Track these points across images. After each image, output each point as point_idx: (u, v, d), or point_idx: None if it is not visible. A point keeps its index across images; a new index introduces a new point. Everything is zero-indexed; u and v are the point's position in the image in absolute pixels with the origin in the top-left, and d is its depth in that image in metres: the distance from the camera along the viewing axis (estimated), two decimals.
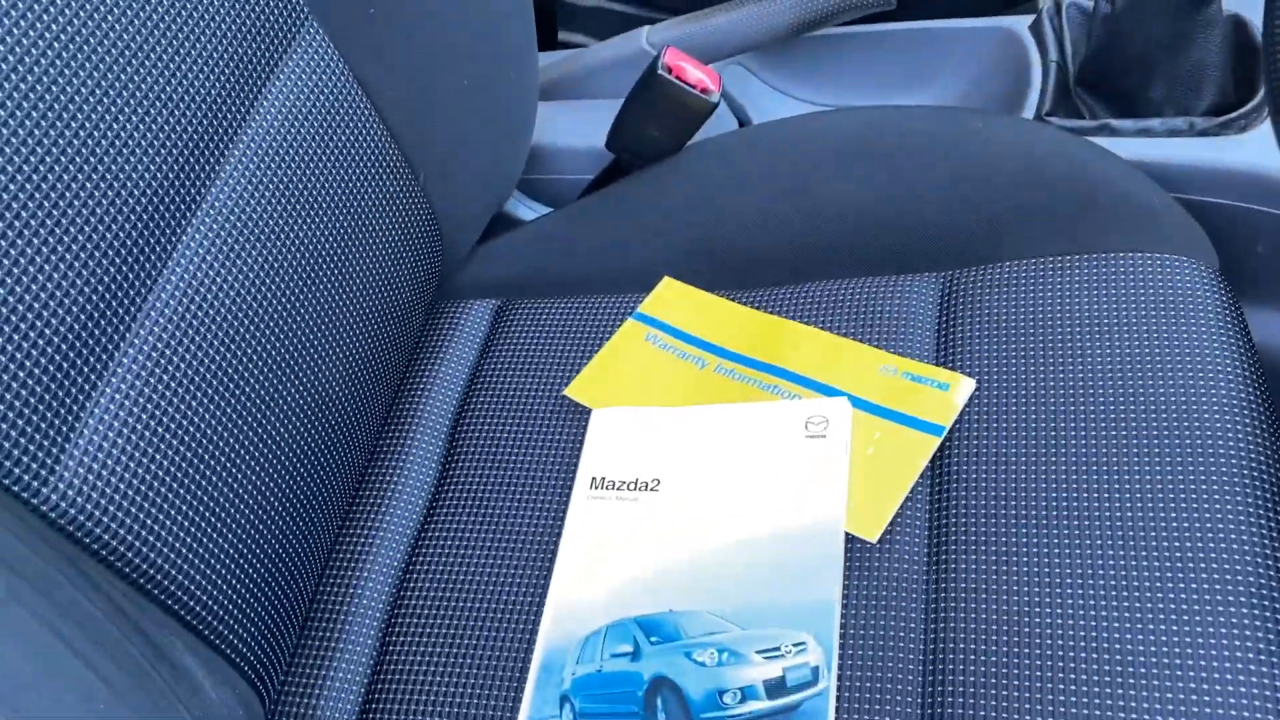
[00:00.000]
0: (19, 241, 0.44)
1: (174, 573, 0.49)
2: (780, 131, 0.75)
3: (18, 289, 0.44)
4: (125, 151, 0.49)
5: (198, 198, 0.54)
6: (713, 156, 0.76)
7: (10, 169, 0.44)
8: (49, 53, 0.47)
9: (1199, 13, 0.73)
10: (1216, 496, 0.52)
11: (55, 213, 0.46)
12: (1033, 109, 0.78)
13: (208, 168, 0.54)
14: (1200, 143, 0.73)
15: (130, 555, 0.47)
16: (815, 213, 0.69)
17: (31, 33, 0.46)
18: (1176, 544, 0.51)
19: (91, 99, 0.48)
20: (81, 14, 0.48)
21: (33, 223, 0.45)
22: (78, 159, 0.47)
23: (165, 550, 0.49)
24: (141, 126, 0.50)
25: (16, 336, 0.44)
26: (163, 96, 0.52)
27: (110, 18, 0.50)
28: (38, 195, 0.45)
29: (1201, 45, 0.74)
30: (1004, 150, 0.69)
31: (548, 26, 1.00)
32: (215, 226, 0.54)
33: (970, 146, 0.69)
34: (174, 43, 0.53)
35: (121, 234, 0.49)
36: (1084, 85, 0.79)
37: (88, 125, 0.48)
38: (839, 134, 0.73)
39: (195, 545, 0.51)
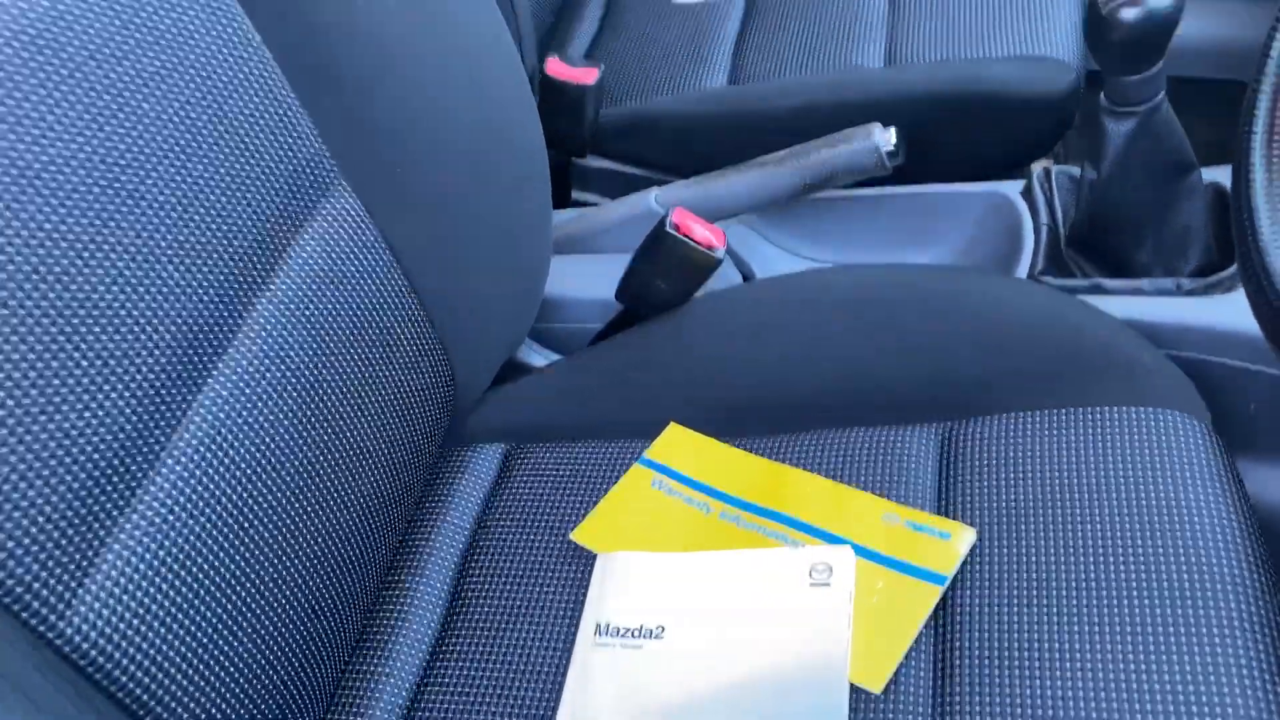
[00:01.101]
0: (48, 373, 0.46)
1: (179, 710, 0.50)
2: (783, 287, 0.78)
3: (48, 423, 0.46)
4: (159, 295, 0.52)
5: (224, 343, 0.56)
6: (718, 309, 0.78)
7: (44, 304, 0.47)
8: (90, 196, 0.50)
9: (1180, 181, 0.77)
10: (1215, 646, 0.52)
11: (84, 347, 0.48)
12: (1026, 269, 0.82)
13: (235, 314, 0.57)
14: (1188, 302, 0.75)
15: (139, 692, 0.48)
16: (818, 365, 0.71)
17: (75, 178, 0.49)
18: (1176, 693, 0.51)
19: (131, 243, 0.51)
20: (124, 160, 0.51)
21: (62, 355, 0.47)
22: (112, 299, 0.50)
23: (173, 688, 0.49)
24: (176, 272, 0.53)
25: (45, 471, 0.45)
26: (199, 245, 0.55)
27: (157, 169, 0.53)
28: (68, 329, 0.48)
29: (1185, 211, 0.78)
30: (999, 308, 0.72)
31: (562, 186, 1.05)
32: (240, 371, 0.56)
33: (967, 305, 0.72)
34: (214, 194, 0.56)
35: (149, 375, 0.51)
36: (1074, 246, 0.83)
37: (124, 267, 0.51)
38: (841, 290, 0.76)
39: (203, 684, 0.51)
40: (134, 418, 0.50)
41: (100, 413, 0.48)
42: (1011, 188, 0.88)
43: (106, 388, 0.49)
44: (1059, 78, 0.90)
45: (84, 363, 0.48)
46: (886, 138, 0.82)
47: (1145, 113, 0.74)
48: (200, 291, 0.55)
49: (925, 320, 0.71)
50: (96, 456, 0.48)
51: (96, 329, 0.49)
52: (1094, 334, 0.69)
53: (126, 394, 0.50)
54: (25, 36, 0.48)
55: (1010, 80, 0.91)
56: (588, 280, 0.88)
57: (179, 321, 0.53)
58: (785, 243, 0.95)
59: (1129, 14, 0.68)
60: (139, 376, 0.51)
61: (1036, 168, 0.88)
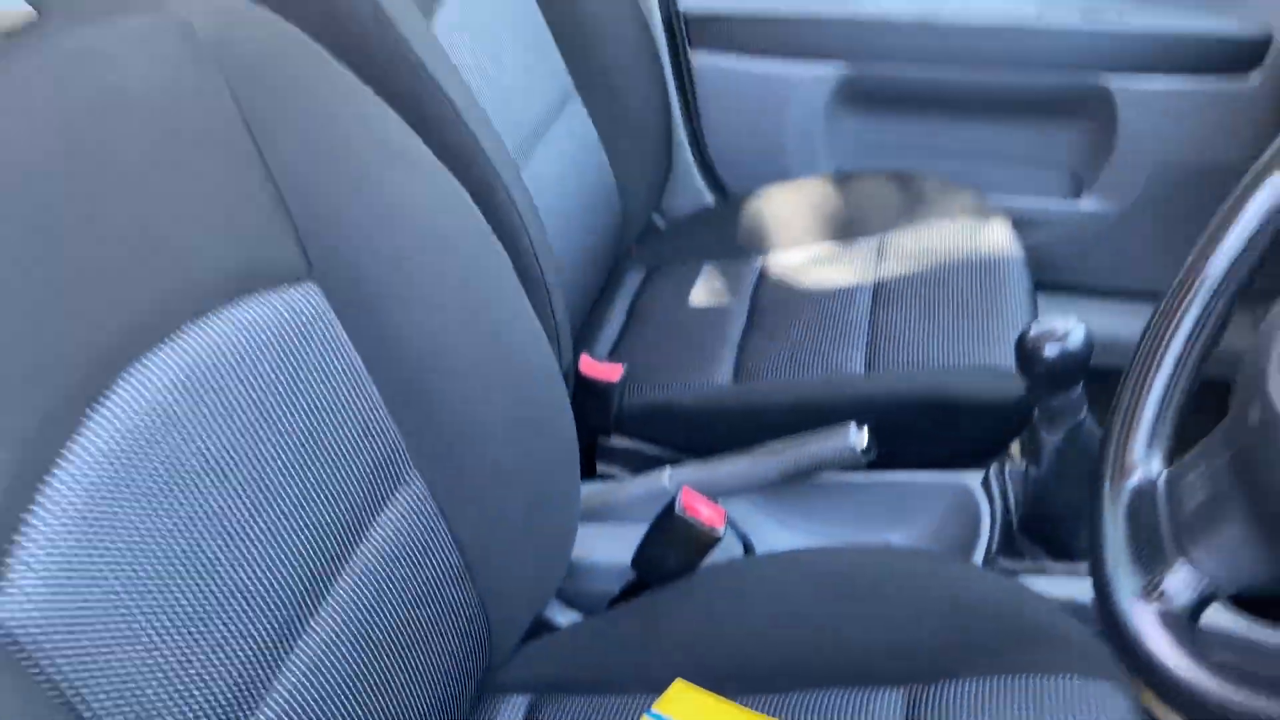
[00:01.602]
0: (179, 637, 0.60)
1: None
2: (773, 564, 0.92)
3: (172, 672, 0.59)
4: (267, 568, 0.66)
5: (308, 616, 0.69)
6: (720, 579, 0.92)
7: (187, 582, 0.61)
8: (239, 491, 0.65)
9: None
10: None
11: (200, 620, 0.62)
12: (983, 550, 0.96)
13: (320, 591, 0.70)
14: None
15: None
16: (802, 632, 0.84)
17: (232, 478, 0.64)
18: None
19: (258, 527, 0.66)
20: (262, 458, 0.67)
21: (188, 627, 0.61)
22: (233, 576, 0.64)
23: None
24: (281, 552, 0.68)
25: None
26: (300, 528, 0.69)
27: (285, 467, 0.68)
28: (198, 605, 0.61)
29: None
30: (955, 589, 0.85)
31: (589, 460, 1.21)
32: (320, 642, 0.69)
33: (929, 585, 0.86)
34: (323, 483, 0.71)
35: (250, 643, 0.64)
36: (1025, 532, 0.97)
37: (250, 550, 0.65)
38: (822, 568, 0.90)
39: None
40: (234, 682, 0.63)
41: (208, 679, 0.61)
42: (973, 478, 1.03)
43: (199, 660, 0.61)
44: (1010, 388, 1.06)
45: (198, 637, 0.61)
46: (860, 438, 0.98)
47: (1071, 426, 0.89)
48: (296, 569, 0.68)
49: (893, 597, 0.85)
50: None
51: (216, 604, 0.62)
52: (1034, 613, 0.82)
53: (229, 663, 0.63)
54: (195, 379, 0.64)
55: (968, 389, 1.08)
56: (608, 547, 1.02)
57: (278, 593, 0.67)
58: (781, 518, 1.09)
59: (1050, 350, 0.85)
60: (243, 645, 0.64)
61: (994, 463, 1.04)
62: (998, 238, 1.32)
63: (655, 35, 1.53)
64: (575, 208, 1.31)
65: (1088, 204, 1.54)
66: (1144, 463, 0.58)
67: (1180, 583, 0.51)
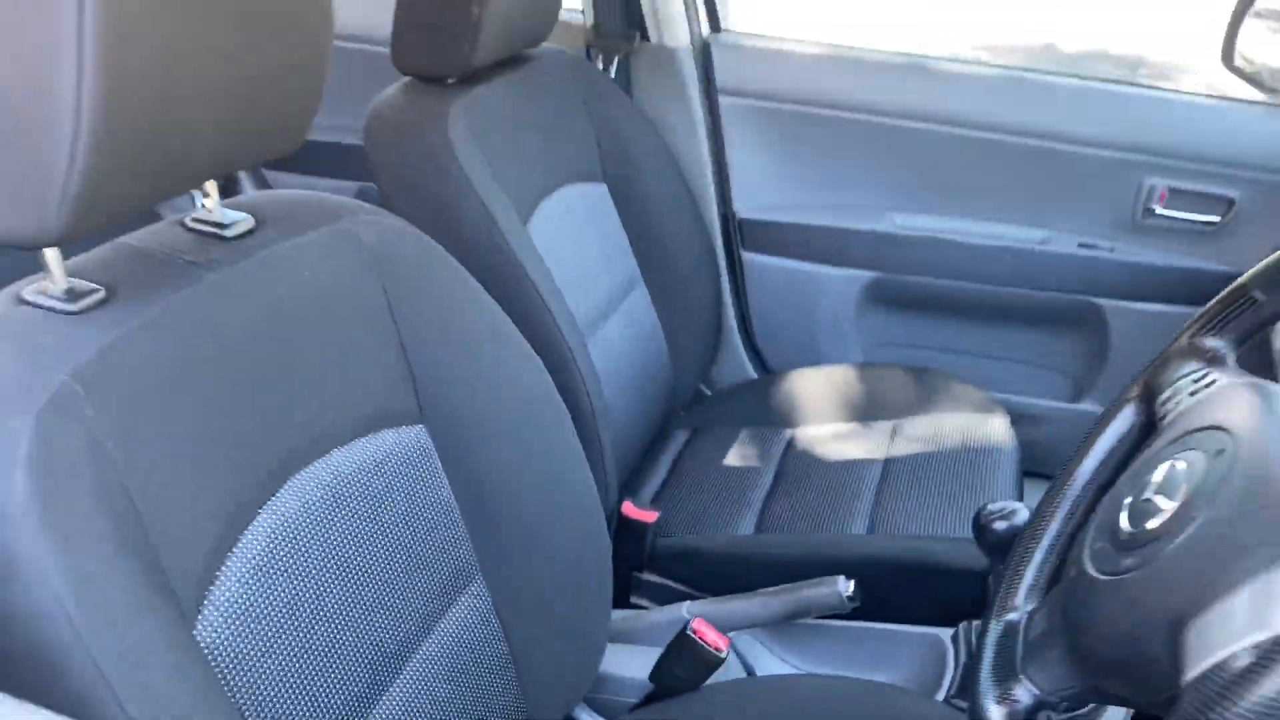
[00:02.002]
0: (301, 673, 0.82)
1: None
2: (772, 685, 1.11)
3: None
4: (343, 644, 0.87)
5: (379, 691, 0.89)
6: (722, 695, 1.11)
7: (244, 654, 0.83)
8: (367, 581, 0.88)
9: None
10: None
11: (299, 669, 0.83)
12: (944, 691, 1.13)
13: (394, 665, 0.90)
14: None
15: None
16: None
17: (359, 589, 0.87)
18: None
19: (357, 611, 0.88)
20: (381, 565, 0.90)
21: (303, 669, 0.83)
22: (334, 640, 0.86)
23: None
24: (361, 628, 0.89)
25: None
26: (383, 609, 0.91)
27: (397, 573, 0.91)
28: (294, 649, 0.83)
29: None
30: (913, 717, 1.03)
31: (624, 591, 1.41)
32: (386, 715, 0.90)
33: (895, 713, 1.04)
34: (399, 574, 0.93)
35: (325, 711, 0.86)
36: None
37: (335, 611, 0.87)
38: (812, 693, 1.08)
39: None
40: None
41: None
42: (945, 632, 1.22)
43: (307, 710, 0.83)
44: (981, 558, 1.26)
45: (301, 687, 0.83)
46: (846, 588, 1.18)
47: None
48: (378, 646, 0.89)
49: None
50: None
51: (317, 660, 0.84)
52: None
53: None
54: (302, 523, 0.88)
55: (945, 556, 1.27)
56: (631, 663, 1.22)
57: (361, 663, 0.88)
58: (780, 652, 1.28)
59: (997, 525, 1.05)
60: (329, 704, 0.85)
61: (965, 620, 1.22)
62: (995, 431, 1.53)
63: (713, 236, 1.80)
64: (633, 375, 1.56)
65: (1086, 405, 1.74)
66: (1021, 605, 0.77)
67: (1022, 691, 0.70)
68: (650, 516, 1.35)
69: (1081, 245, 1.68)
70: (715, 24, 1.79)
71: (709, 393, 1.90)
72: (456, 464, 0.99)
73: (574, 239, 1.48)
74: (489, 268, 1.23)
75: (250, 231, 0.88)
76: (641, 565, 1.38)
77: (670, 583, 1.38)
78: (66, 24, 0.60)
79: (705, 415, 1.73)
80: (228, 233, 0.86)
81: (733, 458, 1.59)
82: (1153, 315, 1.66)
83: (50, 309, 0.72)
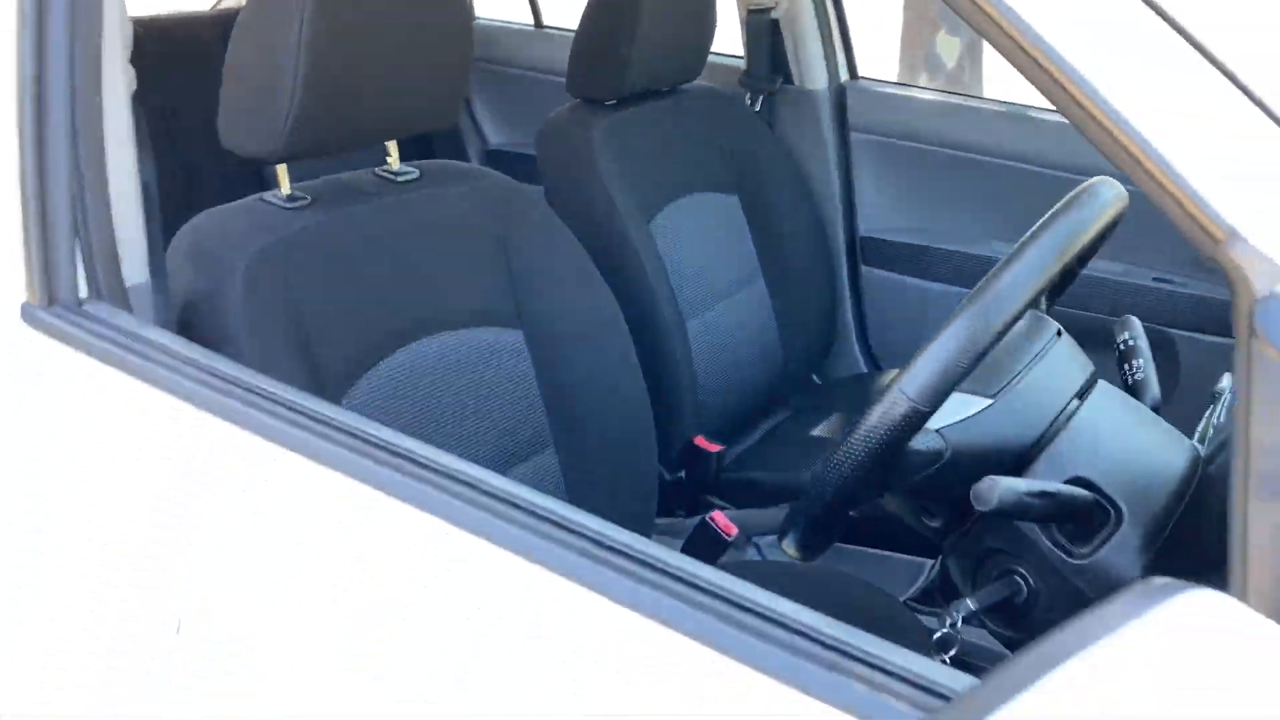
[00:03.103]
0: None
1: None
2: (773, 566, 1.42)
3: None
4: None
5: None
6: (728, 569, 1.44)
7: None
8: None
9: None
10: None
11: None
12: (910, 593, 1.40)
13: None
14: None
15: None
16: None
17: None
18: None
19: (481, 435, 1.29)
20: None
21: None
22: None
23: None
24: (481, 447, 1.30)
25: None
26: (455, 449, 1.31)
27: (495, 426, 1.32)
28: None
29: None
30: (871, 603, 1.32)
31: (692, 511, 1.75)
32: None
33: (856, 592, 1.33)
34: (483, 433, 1.33)
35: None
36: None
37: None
38: (802, 571, 1.39)
39: None
40: None
41: None
42: (929, 561, 1.48)
43: None
44: None
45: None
46: None
47: None
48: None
49: (829, 591, 1.33)
50: None
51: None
52: (891, 612, 1.27)
53: None
54: None
55: None
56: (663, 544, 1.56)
57: None
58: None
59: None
60: None
61: None
62: None
63: (837, 251, 2.12)
64: (740, 353, 1.90)
65: None
66: None
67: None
68: (715, 448, 1.69)
69: (1156, 279, 1.87)
70: (853, 72, 2.12)
71: (819, 382, 2.20)
72: (542, 362, 1.38)
73: (697, 235, 1.86)
74: (608, 246, 1.63)
75: (414, 180, 1.32)
76: (707, 489, 1.71)
77: (728, 506, 1.71)
78: (291, 31, 1.06)
79: (810, 400, 2.04)
80: (399, 179, 1.31)
81: (821, 430, 1.90)
82: (1222, 347, 1.83)
83: (277, 206, 1.19)
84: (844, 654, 0.57)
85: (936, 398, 0.78)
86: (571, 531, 0.66)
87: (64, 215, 0.89)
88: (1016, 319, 0.79)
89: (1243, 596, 0.47)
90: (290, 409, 0.77)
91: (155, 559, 0.79)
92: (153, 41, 1.93)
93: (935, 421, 0.84)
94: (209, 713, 0.74)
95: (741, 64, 2.13)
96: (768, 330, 1.98)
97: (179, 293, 1.09)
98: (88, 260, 0.91)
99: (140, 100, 1.02)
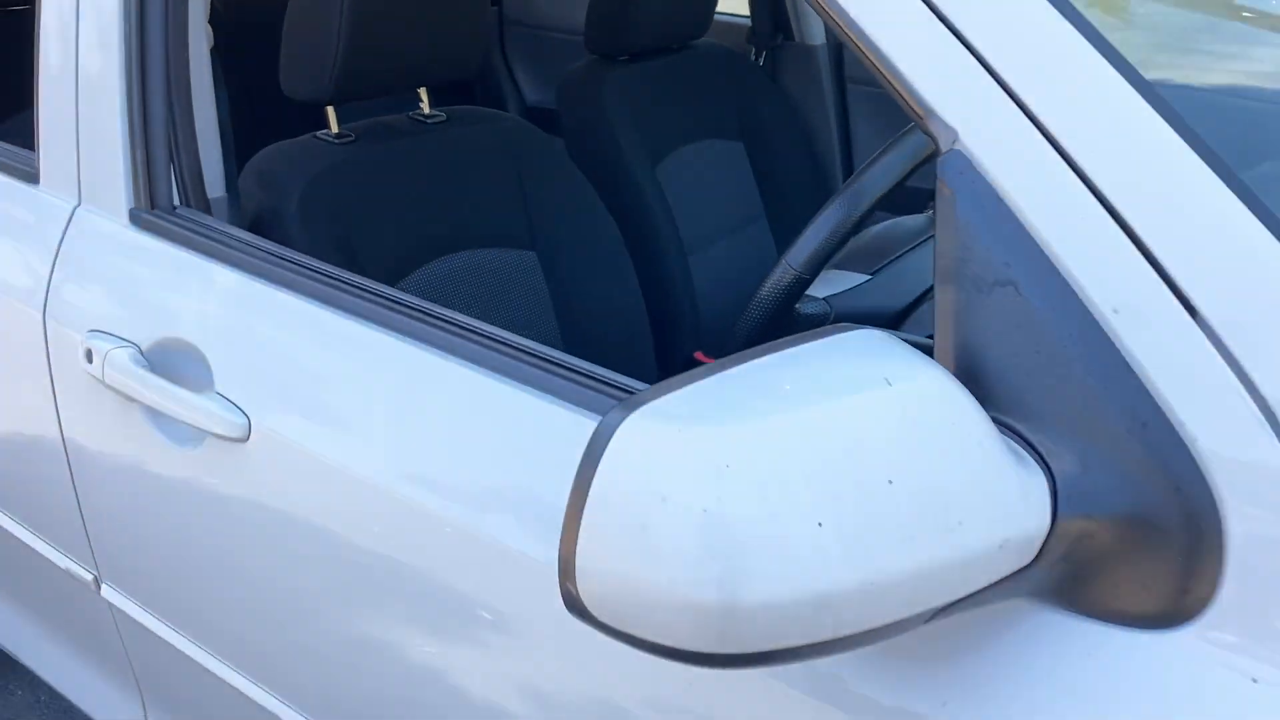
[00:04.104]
0: None
1: None
2: None
3: None
4: None
5: None
6: None
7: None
8: None
9: None
10: None
11: None
12: None
13: None
14: None
15: None
16: None
17: None
18: None
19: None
20: None
21: None
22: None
23: None
24: None
25: None
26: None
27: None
28: None
29: None
30: None
31: None
32: None
33: None
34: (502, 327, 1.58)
35: None
36: None
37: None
38: None
39: None
40: None
41: None
42: None
43: None
44: None
45: None
46: None
47: None
48: None
49: None
50: None
51: None
52: None
53: None
54: None
55: None
56: None
57: None
58: None
59: None
60: None
61: None
62: None
63: (834, 192, 2.33)
64: (741, 283, 2.13)
65: None
66: None
67: None
68: (711, 360, 1.93)
69: None
70: None
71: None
72: (553, 279, 1.63)
73: (702, 178, 2.09)
74: (617, 187, 1.87)
75: (442, 123, 1.57)
76: None
77: None
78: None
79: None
80: (430, 121, 1.56)
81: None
82: None
83: (327, 141, 1.45)
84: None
85: (815, 267, 1.00)
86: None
87: (161, 140, 1.15)
88: (875, 206, 1.00)
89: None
90: (344, 285, 1.02)
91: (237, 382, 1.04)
92: (229, 9, 2.21)
93: (824, 293, 1.06)
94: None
95: (747, 24, 2.34)
96: (767, 263, 2.20)
97: (248, 210, 1.35)
98: (179, 175, 1.17)
99: (219, 54, 1.29)
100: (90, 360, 1.12)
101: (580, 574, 0.57)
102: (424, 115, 1.57)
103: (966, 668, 0.67)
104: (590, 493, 0.56)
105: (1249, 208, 0.62)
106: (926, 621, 0.61)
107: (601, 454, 0.56)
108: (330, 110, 1.44)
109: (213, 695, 1.19)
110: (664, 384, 0.59)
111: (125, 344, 1.10)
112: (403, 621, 0.95)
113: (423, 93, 1.57)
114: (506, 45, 2.89)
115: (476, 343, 0.95)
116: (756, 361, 0.61)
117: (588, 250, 1.64)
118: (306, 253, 1.16)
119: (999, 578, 0.61)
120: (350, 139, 1.46)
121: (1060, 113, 0.66)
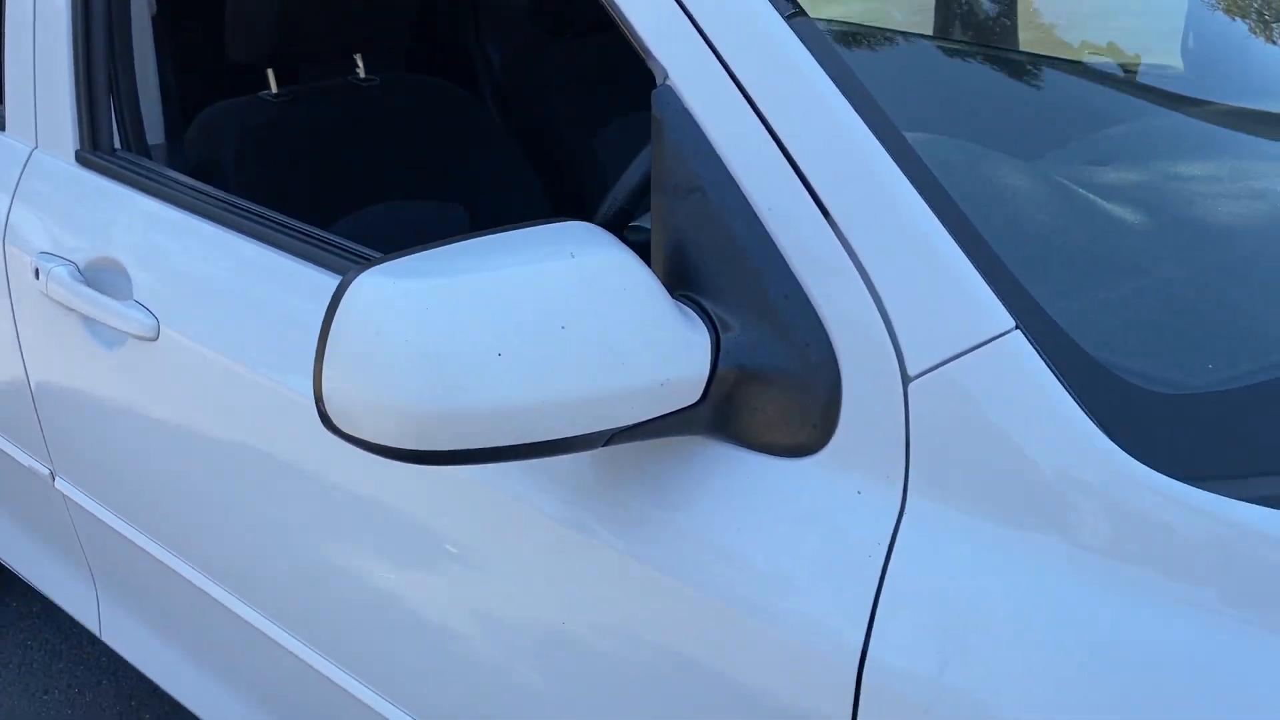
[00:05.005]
0: None
1: None
2: None
3: None
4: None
5: None
6: None
7: None
8: None
9: None
10: None
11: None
12: None
13: None
14: None
15: None
16: None
17: None
18: None
19: None
20: None
21: None
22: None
23: None
24: None
25: None
26: None
27: None
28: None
29: None
30: None
31: None
32: None
33: None
34: None
35: None
36: None
37: None
38: None
39: None
40: None
41: None
42: None
43: None
44: None
45: None
46: None
47: None
48: None
49: None
50: None
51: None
52: None
53: None
54: None
55: None
56: None
57: None
58: None
59: None
60: None
61: None
62: None
63: None
64: None
65: None
66: None
67: None
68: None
69: None
70: None
71: None
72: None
73: (637, 146, 2.25)
74: (551, 152, 2.05)
75: (377, 86, 1.76)
76: None
77: None
78: None
79: None
80: (365, 85, 1.75)
81: None
82: None
83: (267, 100, 1.64)
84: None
85: (635, 199, 1.16)
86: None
87: (103, 90, 1.34)
88: None
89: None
90: (269, 222, 1.20)
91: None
92: None
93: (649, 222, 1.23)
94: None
95: None
96: None
97: (192, 159, 1.54)
98: (120, 123, 1.36)
99: (173, 23, 1.48)
100: (38, 277, 1.31)
101: (325, 397, 0.74)
102: (360, 80, 1.75)
103: (664, 485, 0.85)
104: (329, 332, 0.73)
105: (874, 132, 0.78)
106: (607, 443, 0.78)
107: (339, 301, 0.73)
108: (270, 72, 1.63)
109: (154, 577, 1.38)
110: (399, 253, 0.77)
111: (66, 263, 1.30)
112: (295, 499, 1.13)
113: (358, 59, 1.75)
114: (480, 23, 3.08)
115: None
116: (479, 239, 0.78)
117: (513, 205, 1.82)
118: (239, 196, 1.35)
119: (665, 411, 0.78)
120: (288, 99, 1.65)
121: (742, 57, 0.83)
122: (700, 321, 0.80)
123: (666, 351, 0.77)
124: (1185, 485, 0.67)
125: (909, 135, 0.80)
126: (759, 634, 0.79)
